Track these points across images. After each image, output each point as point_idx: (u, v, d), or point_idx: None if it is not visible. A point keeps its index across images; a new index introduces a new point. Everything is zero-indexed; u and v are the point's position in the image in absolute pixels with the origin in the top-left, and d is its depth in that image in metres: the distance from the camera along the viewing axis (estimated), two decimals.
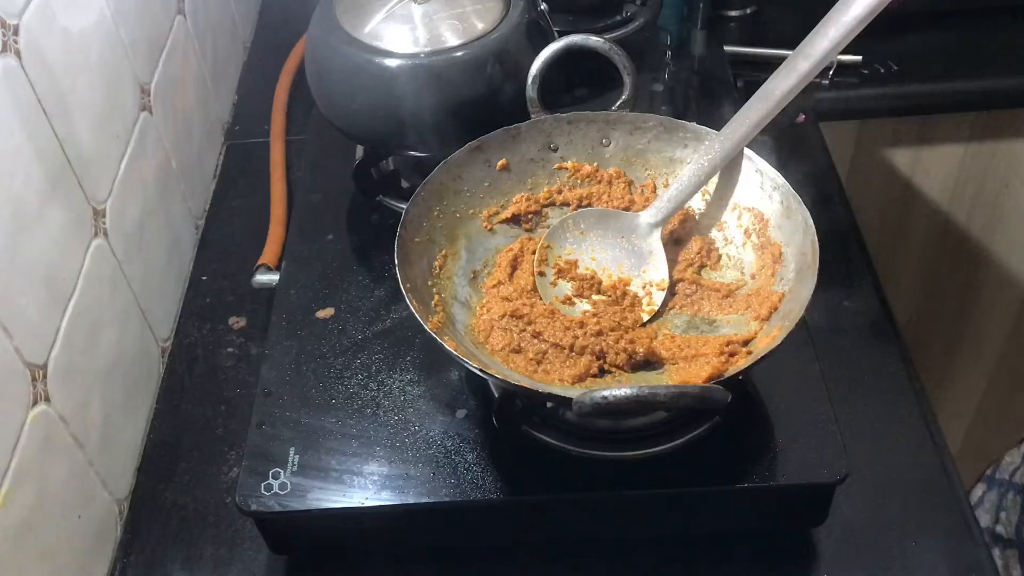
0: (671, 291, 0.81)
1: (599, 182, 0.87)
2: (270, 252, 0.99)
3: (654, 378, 0.74)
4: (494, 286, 0.81)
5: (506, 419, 0.76)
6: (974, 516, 0.82)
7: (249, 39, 1.37)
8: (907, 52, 1.25)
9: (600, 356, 0.74)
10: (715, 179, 0.83)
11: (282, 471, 0.75)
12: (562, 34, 0.92)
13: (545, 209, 0.87)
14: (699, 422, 0.76)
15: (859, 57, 1.22)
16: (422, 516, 0.75)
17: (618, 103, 0.92)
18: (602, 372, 0.75)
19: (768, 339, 0.71)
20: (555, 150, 0.87)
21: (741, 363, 0.71)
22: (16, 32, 0.72)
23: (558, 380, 0.74)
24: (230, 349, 0.97)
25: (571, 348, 0.75)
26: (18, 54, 0.72)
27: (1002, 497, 0.91)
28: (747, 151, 0.81)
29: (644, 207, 0.84)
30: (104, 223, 0.85)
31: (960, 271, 1.47)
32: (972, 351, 1.59)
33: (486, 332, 0.77)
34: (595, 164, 0.87)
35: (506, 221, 0.86)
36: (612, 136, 0.87)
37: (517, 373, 0.74)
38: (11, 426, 0.69)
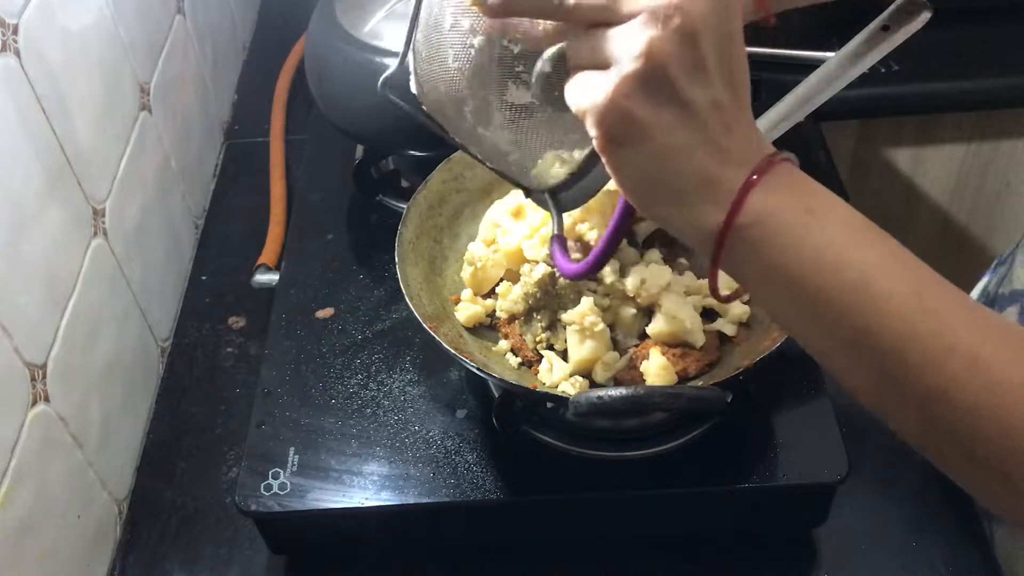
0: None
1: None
2: (270, 252, 0.99)
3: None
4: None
5: (506, 419, 0.76)
6: (975, 514, 0.82)
7: (249, 39, 1.37)
8: (907, 52, 1.25)
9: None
10: None
11: (282, 471, 0.75)
12: None
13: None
14: (699, 422, 0.75)
15: None
16: (422, 516, 0.75)
17: None
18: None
19: (769, 340, 0.71)
20: None
21: (743, 364, 0.71)
22: (16, 32, 0.72)
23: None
24: (230, 349, 0.97)
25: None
26: (18, 54, 0.72)
27: None
28: None
29: None
30: (104, 223, 0.85)
31: (961, 271, 1.46)
32: None
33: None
34: None
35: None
36: None
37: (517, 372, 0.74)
38: (11, 426, 0.69)
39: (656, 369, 0.70)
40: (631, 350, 0.74)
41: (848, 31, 0.80)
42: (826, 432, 0.75)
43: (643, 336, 0.75)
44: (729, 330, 0.74)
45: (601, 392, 0.62)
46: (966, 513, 0.81)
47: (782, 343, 0.68)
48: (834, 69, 0.75)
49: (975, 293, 0.93)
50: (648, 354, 0.72)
